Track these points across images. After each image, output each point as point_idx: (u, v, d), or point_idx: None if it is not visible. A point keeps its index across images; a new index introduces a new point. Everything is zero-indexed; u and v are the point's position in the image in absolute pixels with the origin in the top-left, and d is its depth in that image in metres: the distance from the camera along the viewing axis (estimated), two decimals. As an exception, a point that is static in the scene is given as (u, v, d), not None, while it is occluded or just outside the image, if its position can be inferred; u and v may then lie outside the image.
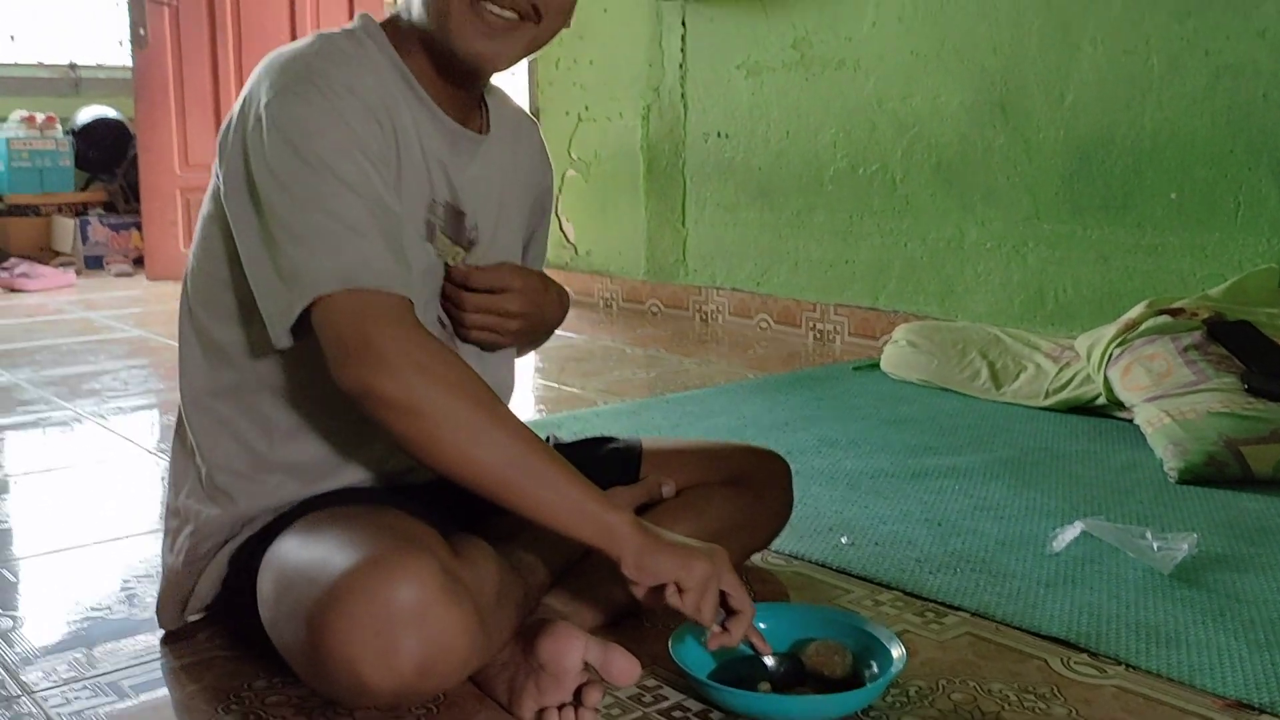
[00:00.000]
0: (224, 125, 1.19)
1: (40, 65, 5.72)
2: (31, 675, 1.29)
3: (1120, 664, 1.33)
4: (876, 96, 3.26)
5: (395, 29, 1.24)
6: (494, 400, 1.09)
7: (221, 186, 1.17)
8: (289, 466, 1.24)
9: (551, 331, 1.45)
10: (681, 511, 1.42)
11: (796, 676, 1.23)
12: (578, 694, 1.13)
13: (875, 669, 1.24)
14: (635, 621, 1.39)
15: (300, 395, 1.23)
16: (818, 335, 3.50)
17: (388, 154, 1.16)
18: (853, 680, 1.23)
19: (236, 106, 1.17)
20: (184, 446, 1.31)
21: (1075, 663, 1.33)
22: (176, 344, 1.31)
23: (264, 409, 1.24)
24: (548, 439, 1.49)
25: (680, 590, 1.11)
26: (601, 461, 1.45)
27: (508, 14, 1.16)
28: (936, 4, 3.08)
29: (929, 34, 3.11)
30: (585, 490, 1.10)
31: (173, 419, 2.49)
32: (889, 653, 1.23)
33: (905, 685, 1.26)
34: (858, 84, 3.30)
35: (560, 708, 1.12)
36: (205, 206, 1.24)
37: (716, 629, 1.17)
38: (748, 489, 1.50)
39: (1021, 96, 2.93)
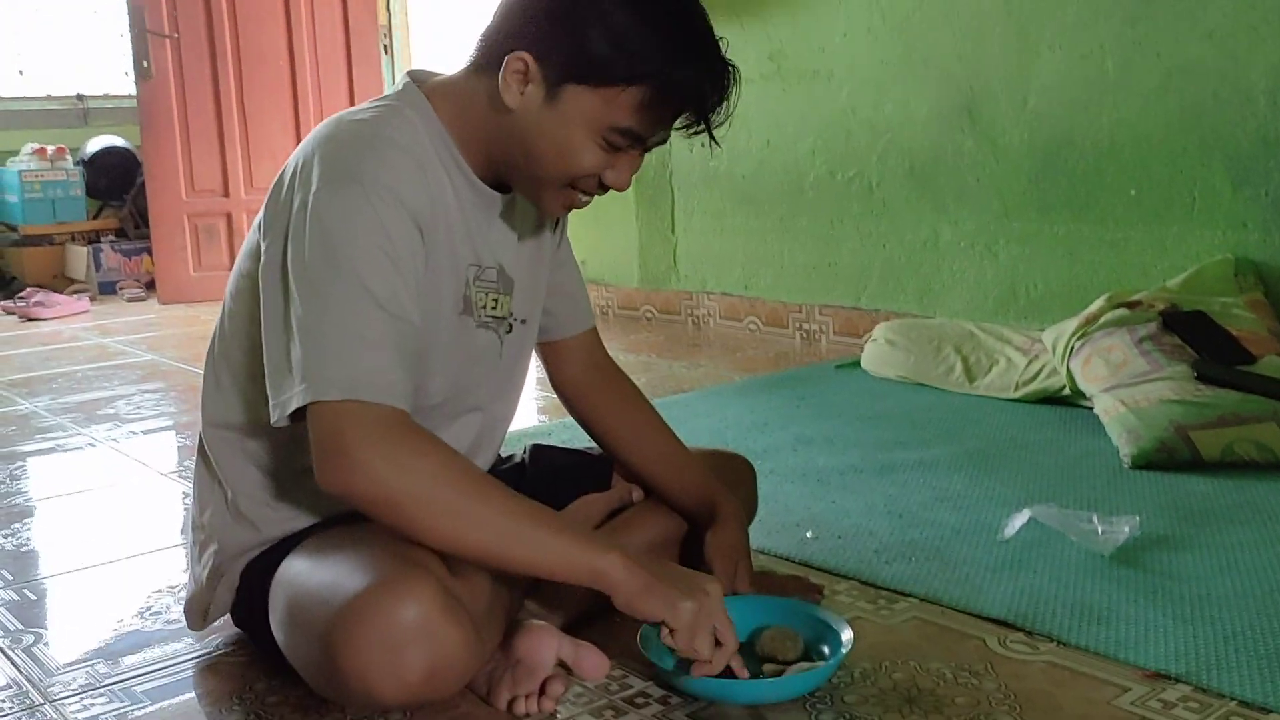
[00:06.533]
0: (273, 187, 1.24)
1: (49, 98, 5.89)
2: (53, 686, 1.42)
3: (1052, 641, 1.43)
4: (850, 105, 3.37)
5: (447, 99, 1.27)
6: (476, 480, 1.18)
7: (261, 255, 1.23)
8: (310, 499, 1.34)
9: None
10: (649, 515, 1.54)
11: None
12: (543, 685, 1.25)
13: (826, 653, 1.36)
14: (607, 618, 1.50)
15: None
16: (804, 336, 3.61)
17: (419, 258, 1.21)
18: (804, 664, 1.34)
19: (287, 171, 1.22)
20: (208, 469, 1.39)
21: (1011, 641, 1.44)
22: (200, 371, 1.41)
23: (283, 445, 1.32)
24: (524, 449, 1.61)
25: (671, 630, 1.21)
26: (575, 470, 1.57)
27: (594, 196, 1.28)
28: (902, 14, 3.19)
29: (896, 43, 3.22)
30: (573, 541, 1.19)
31: (187, 442, 2.65)
32: (839, 637, 1.35)
33: (852, 667, 1.37)
34: (832, 93, 3.41)
35: (527, 696, 1.25)
36: (243, 261, 1.29)
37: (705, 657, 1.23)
38: None
39: (986, 101, 3.04)
